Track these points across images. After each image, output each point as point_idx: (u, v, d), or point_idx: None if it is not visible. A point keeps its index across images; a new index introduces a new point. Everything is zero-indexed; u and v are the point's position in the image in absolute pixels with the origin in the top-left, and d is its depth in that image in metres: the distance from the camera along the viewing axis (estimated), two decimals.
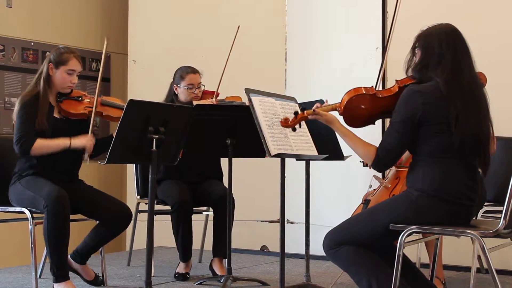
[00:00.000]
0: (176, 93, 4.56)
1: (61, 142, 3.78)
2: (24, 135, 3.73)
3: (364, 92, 3.08)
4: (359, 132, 3.13)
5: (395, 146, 2.97)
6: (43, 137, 3.78)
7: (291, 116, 3.09)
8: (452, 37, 3.01)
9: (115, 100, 4.02)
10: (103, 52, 3.90)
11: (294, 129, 3.15)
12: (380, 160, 2.98)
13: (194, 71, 4.54)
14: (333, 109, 3.12)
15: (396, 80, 3.10)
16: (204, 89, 4.57)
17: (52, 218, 3.60)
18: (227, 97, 4.53)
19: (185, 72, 4.53)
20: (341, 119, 3.10)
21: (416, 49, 3.06)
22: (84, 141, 3.80)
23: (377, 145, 3.02)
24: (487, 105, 3.02)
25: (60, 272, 3.68)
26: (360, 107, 3.07)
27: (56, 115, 3.90)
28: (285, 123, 3.09)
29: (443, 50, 2.97)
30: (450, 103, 2.91)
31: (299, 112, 3.09)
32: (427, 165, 2.96)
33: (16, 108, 3.81)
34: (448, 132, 2.92)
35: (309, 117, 3.09)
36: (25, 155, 3.77)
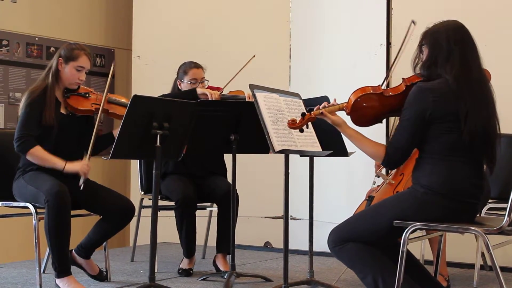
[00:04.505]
0: (180, 88, 4.56)
1: (56, 162, 3.75)
2: (25, 135, 3.72)
3: (371, 91, 3.06)
4: (364, 131, 3.12)
5: (404, 144, 2.96)
6: (49, 132, 3.78)
7: (298, 117, 3.08)
8: (460, 33, 3.00)
9: (121, 98, 4.02)
10: (111, 69, 3.90)
11: (301, 130, 3.15)
12: (390, 158, 2.98)
13: (197, 66, 4.55)
14: (340, 109, 3.10)
15: (403, 78, 3.08)
16: (208, 85, 4.58)
17: (53, 213, 3.59)
18: (230, 91, 4.53)
19: (188, 67, 4.54)
20: (348, 119, 3.10)
21: (423, 46, 3.05)
22: (78, 166, 3.77)
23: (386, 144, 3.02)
24: (494, 102, 3.02)
25: (62, 267, 3.67)
26: (368, 107, 3.06)
27: (62, 110, 3.89)
28: (292, 124, 3.08)
29: (451, 46, 2.96)
30: (460, 99, 2.90)
31: (306, 113, 3.08)
32: (434, 162, 2.95)
33: (22, 103, 3.79)
34: (457, 130, 2.91)
35: (317, 117, 3.08)
36: (20, 154, 3.77)
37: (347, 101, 3.08)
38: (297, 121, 3.08)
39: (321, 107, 3.10)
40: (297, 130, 3.15)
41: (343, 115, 3.11)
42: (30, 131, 3.74)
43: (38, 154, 3.74)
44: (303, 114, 3.07)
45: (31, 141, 3.72)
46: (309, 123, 3.19)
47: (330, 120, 3.08)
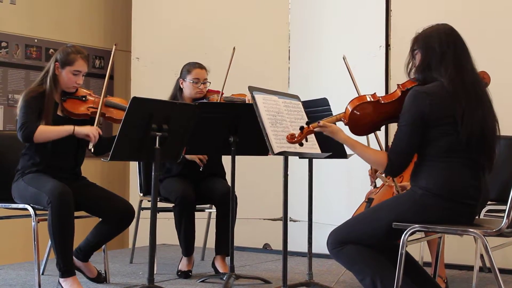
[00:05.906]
0: (182, 87, 4.57)
1: (65, 128, 3.74)
2: (27, 122, 3.70)
3: (367, 99, 3.07)
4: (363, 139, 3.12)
5: (405, 149, 2.96)
6: None
7: (296, 132, 3.08)
8: (452, 36, 3.02)
9: (120, 101, 4.01)
10: (111, 59, 3.90)
11: (301, 144, 3.13)
12: (393, 164, 2.97)
13: (201, 66, 4.57)
14: (338, 119, 3.10)
15: (398, 85, 3.09)
16: (209, 88, 4.59)
17: (56, 214, 3.59)
18: (232, 94, 4.54)
19: (192, 67, 4.56)
20: (346, 129, 3.09)
21: (415, 51, 3.05)
22: (88, 129, 3.75)
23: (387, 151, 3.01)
24: (490, 102, 3.02)
25: (66, 267, 3.67)
26: (365, 115, 3.06)
27: (59, 113, 3.89)
28: (291, 139, 3.06)
29: (444, 49, 2.97)
30: (455, 101, 2.91)
31: (305, 126, 3.08)
32: (432, 164, 2.95)
33: (19, 103, 3.79)
34: (454, 132, 2.92)
35: (315, 130, 3.08)
36: (28, 141, 3.72)
37: (344, 111, 3.08)
38: (296, 135, 3.06)
39: (320, 121, 3.09)
40: (297, 144, 3.13)
41: (341, 126, 3.11)
42: (31, 118, 3.71)
43: (44, 130, 3.71)
44: (301, 128, 3.07)
45: (33, 124, 3.70)
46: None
47: (328, 131, 3.06)
